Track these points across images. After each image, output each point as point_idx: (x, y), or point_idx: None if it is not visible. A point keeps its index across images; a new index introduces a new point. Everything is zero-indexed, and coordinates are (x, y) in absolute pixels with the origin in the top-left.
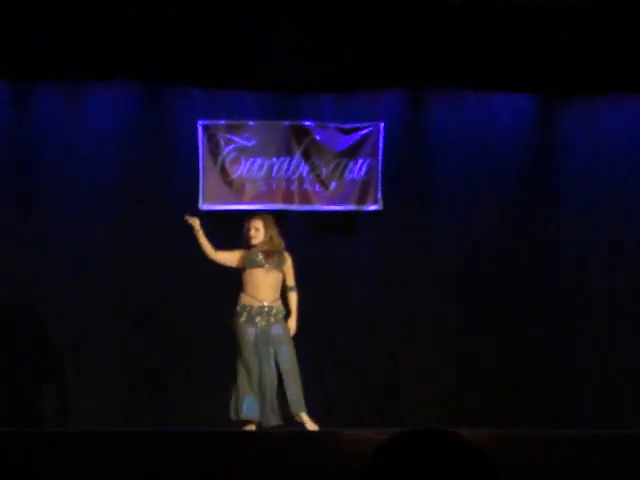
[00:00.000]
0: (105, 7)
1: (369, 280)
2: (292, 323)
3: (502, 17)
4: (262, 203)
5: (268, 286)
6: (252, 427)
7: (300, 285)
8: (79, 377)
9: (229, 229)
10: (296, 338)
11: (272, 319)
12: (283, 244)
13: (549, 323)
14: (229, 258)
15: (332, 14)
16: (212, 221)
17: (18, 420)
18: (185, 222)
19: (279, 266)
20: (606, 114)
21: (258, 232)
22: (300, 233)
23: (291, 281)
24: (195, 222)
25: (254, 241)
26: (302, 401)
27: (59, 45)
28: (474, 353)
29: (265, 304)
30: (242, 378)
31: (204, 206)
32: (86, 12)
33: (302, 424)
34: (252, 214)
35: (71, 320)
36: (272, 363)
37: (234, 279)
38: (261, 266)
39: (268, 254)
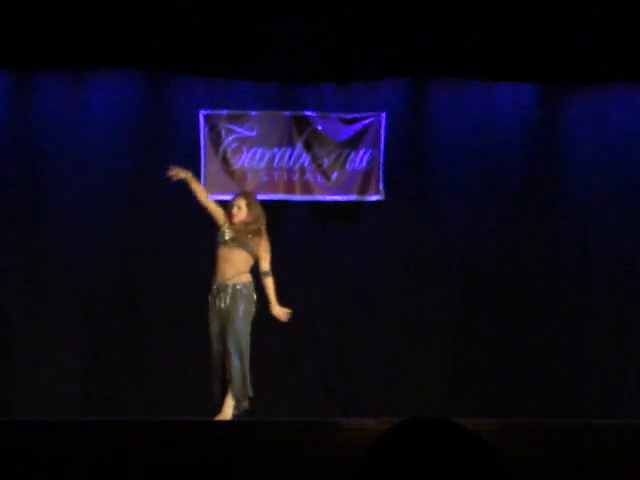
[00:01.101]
0: None
1: (371, 270)
2: (274, 310)
3: (505, 6)
4: (264, 193)
5: (227, 263)
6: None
7: (302, 275)
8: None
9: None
10: (297, 328)
11: (222, 295)
12: (264, 225)
13: (550, 313)
14: (216, 212)
15: (334, 3)
16: None
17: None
18: (173, 177)
19: (245, 246)
20: (610, 104)
21: (240, 210)
22: (302, 223)
23: (265, 266)
24: (181, 173)
25: (235, 219)
26: (236, 387)
27: (61, 34)
28: (476, 342)
29: (219, 282)
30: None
31: None
32: (88, 1)
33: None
34: (238, 192)
35: (71, 311)
36: (221, 342)
37: None
38: (224, 244)
39: (238, 232)
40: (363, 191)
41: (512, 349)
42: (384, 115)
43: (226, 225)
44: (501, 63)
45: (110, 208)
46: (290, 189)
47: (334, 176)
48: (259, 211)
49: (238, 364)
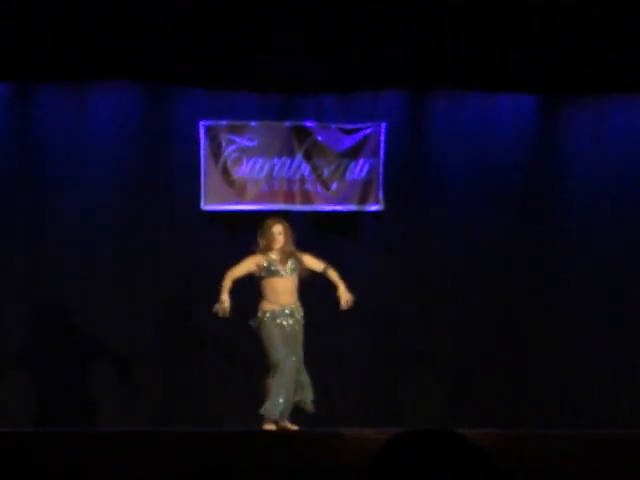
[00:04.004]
0: (108, 8)
1: (370, 280)
2: (342, 294)
3: (504, 18)
4: (264, 203)
5: (287, 292)
6: (272, 426)
7: (301, 285)
8: (90, 377)
9: (230, 229)
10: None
11: (292, 321)
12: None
13: (550, 324)
14: (249, 267)
15: (334, 15)
16: (214, 221)
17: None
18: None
19: (295, 271)
20: (609, 114)
21: (281, 235)
22: (301, 233)
23: (319, 266)
24: (221, 310)
25: (277, 245)
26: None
27: (62, 46)
28: (476, 353)
29: (287, 309)
30: (273, 377)
31: (206, 206)
32: (89, 13)
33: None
34: (271, 218)
35: (75, 321)
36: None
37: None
38: (280, 276)
39: (282, 261)
40: (363, 201)
41: (513, 360)
42: (384, 125)
43: (266, 259)
44: (500, 74)
45: (110, 219)
46: (290, 199)
47: (334, 186)
48: (291, 233)
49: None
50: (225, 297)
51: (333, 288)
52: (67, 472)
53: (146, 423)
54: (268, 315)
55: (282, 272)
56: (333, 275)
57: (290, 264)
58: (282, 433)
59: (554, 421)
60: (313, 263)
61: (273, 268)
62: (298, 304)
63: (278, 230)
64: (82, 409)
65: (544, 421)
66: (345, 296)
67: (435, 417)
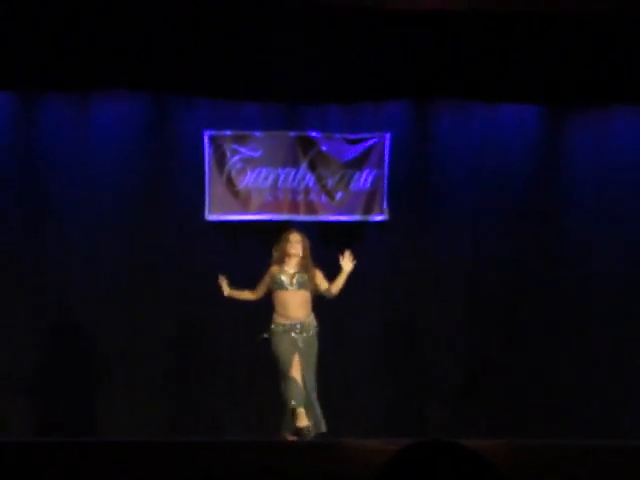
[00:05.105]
0: (111, 18)
1: (375, 290)
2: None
3: (507, 28)
4: (268, 213)
5: (295, 306)
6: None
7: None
8: (91, 387)
9: (235, 239)
10: None
11: (304, 334)
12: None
13: (556, 332)
14: (264, 288)
15: (339, 25)
16: (218, 231)
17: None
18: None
19: (304, 286)
20: (612, 125)
21: (298, 244)
22: None
23: (323, 285)
24: (224, 287)
25: (293, 251)
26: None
27: (66, 56)
28: (479, 363)
29: (297, 322)
30: (287, 392)
31: (210, 216)
32: (93, 23)
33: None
34: (287, 227)
35: (77, 330)
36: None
37: (241, 285)
38: (285, 289)
39: (292, 276)
40: (367, 211)
41: (517, 367)
42: (388, 135)
43: (277, 272)
44: (504, 84)
45: (114, 230)
46: (294, 209)
47: (338, 196)
48: (308, 245)
49: (315, 397)
50: (231, 292)
51: (337, 295)
52: None
53: (148, 433)
54: (280, 328)
55: (287, 285)
56: (338, 281)
57: (298, 278)
58: (283, 443)
59: (557, 431)
60: (320, 281)
61: (280, 280)
62: (310, 320)
63: (296, 239)
64: (83, 418)
65: (549, 432)
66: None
67: (437, 425)
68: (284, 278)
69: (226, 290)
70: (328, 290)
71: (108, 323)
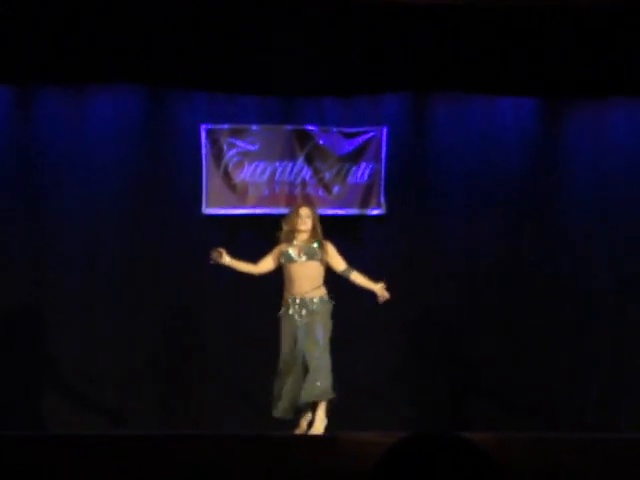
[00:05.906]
0: (108, 10)
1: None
2: (378, 289)
3: (505, 20)
4: (265, 207)
5: (304, 279)
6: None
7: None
8: (90, 382)
9: (232, 233)
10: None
11: (304, 311)
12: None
13: (553, 325)
14: (271, 263)
15: (335, 18)
16: (215, 225)
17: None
18: (214, 260)
19: (315, 257)
20: (610, 118)
21: (308, 219)
22: None
23: (342, 265)
24: (222, 256)
25: (303, 227)
26: (329, 391)
27: (62, 49)
28: (477, 356)
29: (298, 298)
30: (280, 375)
31: (207, 210)
32: (89, 15)
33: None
34: (297, 202)
35: (74, 324)
36: (295, 357)
37: (239, 278)
38: (294, 261)
39: (300, 248)
40: (364, 205)
41: (513, 362)
42: (385, 129)
43: (285, 247)
44: (502, 77)
45: (111, 223)
46: (291, 203)
47: (335, 190)
48: (318, 221)
49: (325, 378)
50: (231, 261)
51: (330, 290)
52: (63, 476)
53: (146, 426)
54: (283, 308)
55: (296, 257)
56: (358, 278)
57: (306, 249)
58: (281, 437)
59: (555, 425)
60: (335, 261)
61: (288, 254)
62: (313, 295)
63: (306, 213)
64: (77, 412)
65: (545, 425)
66: (380, 289)
67: (434, 419)
68: (291, 251)
69: (225, 259)
70: (347, 272)
71: (104, 315)
